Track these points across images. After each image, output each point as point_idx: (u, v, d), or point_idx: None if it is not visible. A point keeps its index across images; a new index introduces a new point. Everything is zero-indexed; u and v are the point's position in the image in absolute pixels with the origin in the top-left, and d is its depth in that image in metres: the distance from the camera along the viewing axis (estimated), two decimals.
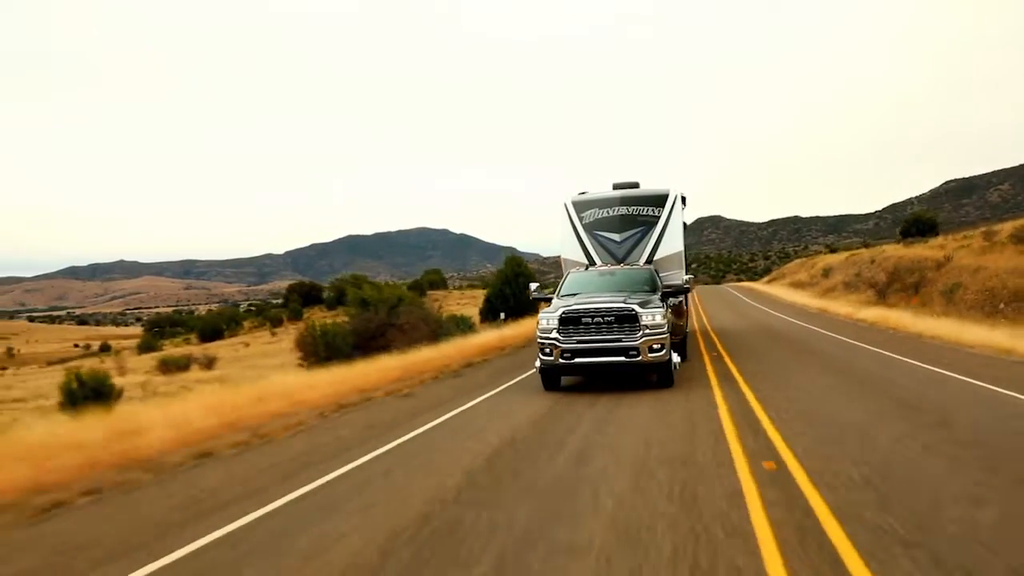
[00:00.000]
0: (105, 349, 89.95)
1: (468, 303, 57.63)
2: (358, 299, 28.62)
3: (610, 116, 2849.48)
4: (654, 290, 12.43)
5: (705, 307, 42.21)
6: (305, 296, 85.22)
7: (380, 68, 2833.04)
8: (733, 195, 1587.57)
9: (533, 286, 14.64)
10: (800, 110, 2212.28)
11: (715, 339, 22.19)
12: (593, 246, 15.95)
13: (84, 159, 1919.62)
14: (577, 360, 11.02)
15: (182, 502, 6.26)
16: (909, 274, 34.67)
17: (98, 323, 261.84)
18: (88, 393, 17.31)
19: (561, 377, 11.86)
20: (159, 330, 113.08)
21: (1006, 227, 38.50)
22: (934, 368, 14.01)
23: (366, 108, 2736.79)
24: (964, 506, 5.48)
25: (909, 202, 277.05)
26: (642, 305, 11.03)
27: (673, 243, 15.60)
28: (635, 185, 16.86)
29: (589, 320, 10.96)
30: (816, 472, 6.39)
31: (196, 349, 62.00)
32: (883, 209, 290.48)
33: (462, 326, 26.38)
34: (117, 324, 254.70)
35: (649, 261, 15.23)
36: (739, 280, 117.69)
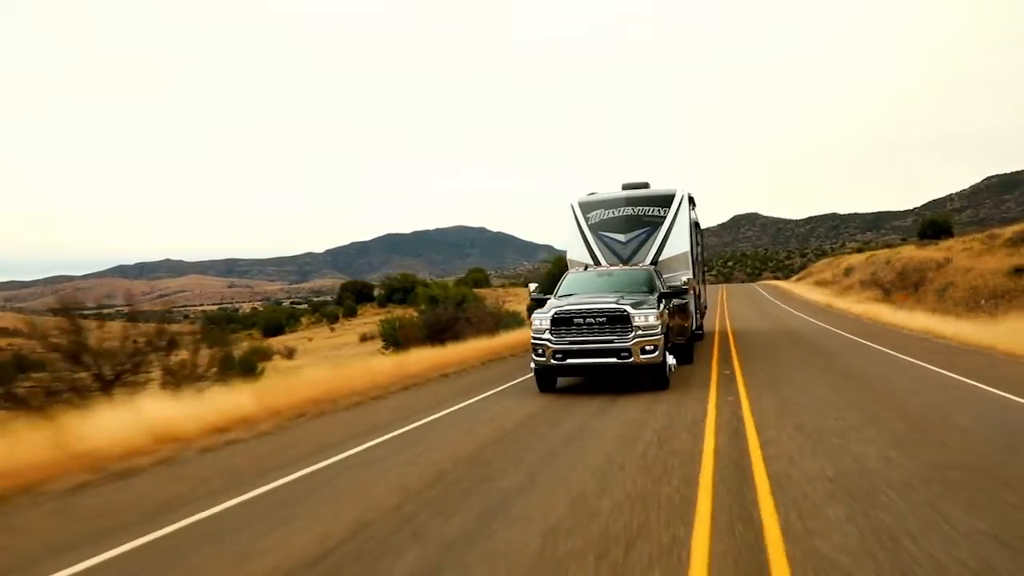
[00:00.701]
0: (172, 344, 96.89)
1: (512, 300, 62.05)
2: (427, 296, 33.84)
3: (644, 112, 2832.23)
4: (652, 291, 12.46)
5: (729, 299, 51.50)
6: (357, 294, 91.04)
7: (422, 68, 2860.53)
8: (770, 192, 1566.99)
9: (532, 286, 14.29)
10: (838, 103, 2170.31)
11: (727, 320, 29.82)
12: (598, 247, 15.99)
13: (130, 160, 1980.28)
14: (569, 361, 11.12)
15: (453, 391, 12.24)
16: (915, 274, 38.56)
17: (147, 320, 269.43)
18: (239, 368, 22.66)
19: (557, 378, 12.05)
20: (217, 326, 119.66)
21: (1007, 231, 41.86)
22: (860, 340, 20.39)
23: (404, 109, 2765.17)
24: (804, 372, 13.01)
25: (949, 198, 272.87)
26: (635, 306, 11.06)
27: (679, 243, 15.67)
28: (645, 185, 16.90)
29: (581, 321, 11.03)
30: (748, 368, 13.76)
31: (263, 343, 67.77)
32: (922, 206, 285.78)
33: (518, 319, 31.23)
34: (166, 321, 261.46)
35: (655, 262, 15.31)
36: (775, 278, 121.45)
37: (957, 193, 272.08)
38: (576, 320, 11.03)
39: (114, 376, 11.70)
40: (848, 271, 57.93)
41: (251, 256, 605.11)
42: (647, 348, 10.83)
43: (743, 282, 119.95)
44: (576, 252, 16.32)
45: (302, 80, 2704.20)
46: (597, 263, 15.60)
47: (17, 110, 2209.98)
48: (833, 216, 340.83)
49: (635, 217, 15.95)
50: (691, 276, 15.39)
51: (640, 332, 10.80)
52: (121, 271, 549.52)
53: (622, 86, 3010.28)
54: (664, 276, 14.22)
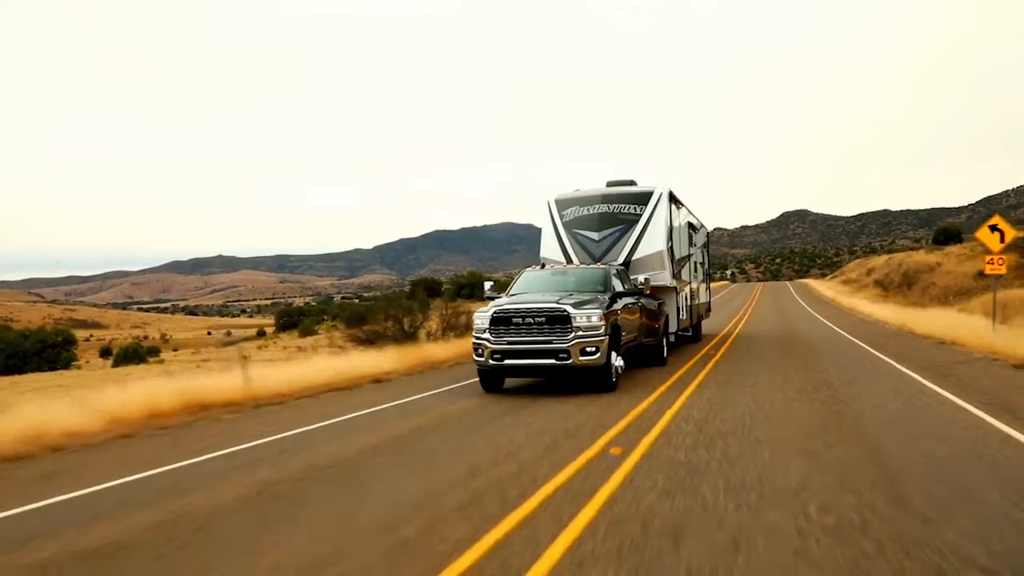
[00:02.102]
0: (261, 334, 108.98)
1: None
2: None
3: (692, 106, 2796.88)
4: (606, 290, 11.96)
5: (762, 294, 62.56)
6: (427, 290, 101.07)
7: (472, 66, 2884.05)
8: (820, 188, 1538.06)
9: (487, 284, 13.60)
10: (892, 97, 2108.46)
11: (748, 309, 39.77)
12: (571, 245, 15.60)
13: (186, 159, 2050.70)
14: (507, 362, 10.77)
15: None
16: (914, 275, 46.28)
17: (205, 314, 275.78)
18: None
19: (505, 378, 11.65)
20: (290, 319, 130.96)
21: None
22: (820, 317, 29.21)
23: (451, 109, 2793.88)
24: (768, 342, 20.37)
25: (1005, 194, 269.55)
26: (577, 306, 10.61)
27: (654, 243, 15.22)
28: (631, 183, 16.48)
29: (520, 320, 10.66)
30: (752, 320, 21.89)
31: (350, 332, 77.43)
32: (977, 202, 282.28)
33: None
34: (222, 315, 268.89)
35: (627, 261, 14.95)
36: (821, 275, 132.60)
37: (1014, 189, 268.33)
38: (515, 320, 10.72)
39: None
40: (870, 271, 64.92)
41: (301, 252, 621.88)
42: (587, 350, 10.48)
43: (791, 279, 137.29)
44: (549, 250, 16.00)
45: (351, 80, 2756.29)
46: (569, 261, 15.27)
47: (69, 111, 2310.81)
48: (885, 213, 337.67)
49: (610, 215, 15.65)
50: (647, 277, 14.03)
51: (580, 333, 10.43)
52: (175, 267, 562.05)
53: (670, 79, 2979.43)
54: (636, 275, 13.92)
